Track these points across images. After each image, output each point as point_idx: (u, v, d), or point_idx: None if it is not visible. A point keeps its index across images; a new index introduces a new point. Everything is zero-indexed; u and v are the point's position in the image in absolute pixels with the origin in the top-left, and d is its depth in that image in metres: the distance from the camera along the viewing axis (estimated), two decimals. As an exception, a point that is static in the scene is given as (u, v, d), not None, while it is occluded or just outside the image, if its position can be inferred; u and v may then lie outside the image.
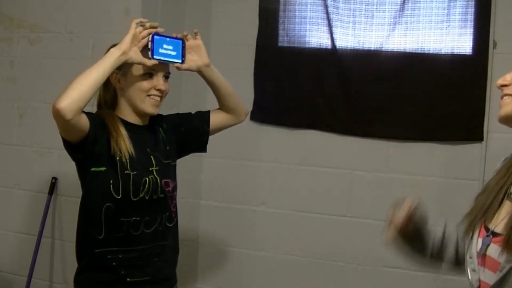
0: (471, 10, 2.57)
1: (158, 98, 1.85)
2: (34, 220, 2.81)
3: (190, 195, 2.95)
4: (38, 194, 2.84)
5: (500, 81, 1.28)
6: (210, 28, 2.94)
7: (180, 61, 1.88)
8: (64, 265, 2.80)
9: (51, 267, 2.85)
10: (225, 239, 2.93)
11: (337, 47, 2.74)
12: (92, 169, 1.78)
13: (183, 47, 1.89)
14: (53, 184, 2.79)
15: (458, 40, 2.58)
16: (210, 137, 2.10)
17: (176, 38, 1.87)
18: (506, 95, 1.26)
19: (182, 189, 2.93)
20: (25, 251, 2.81)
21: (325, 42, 2.76)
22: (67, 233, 2.78)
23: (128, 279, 1.81)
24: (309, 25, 2.79)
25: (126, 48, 1.73)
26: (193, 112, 2.08)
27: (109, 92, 1.87)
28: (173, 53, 1.85)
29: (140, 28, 1.79)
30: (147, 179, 1.82)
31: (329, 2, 2.73)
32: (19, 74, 2.89)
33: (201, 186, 2.97)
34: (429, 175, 2.64)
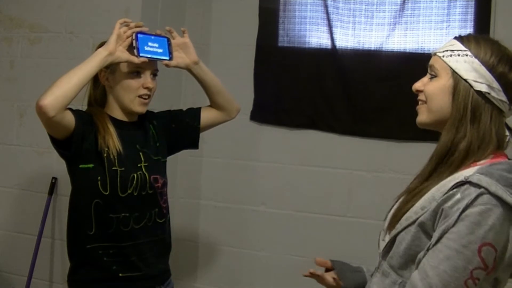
0: (471, 10, 2.57)
1: (147, 97, 1.86)
2: (34, 220, 2.81)
3: (190, 195, 2.95)
4: (38, 194, 2.83)
5: (417, 86, 1.35)
6: (210, 28, 2.94)
7: (168, 58, 1.89)
8: (64, 265, 2.80)
9: (51, 267, 2.85)
10: (225, 239, 2.93)
11: (337, 47, 2.74)
12: (81, 166, 1.80)
13: (169, 44, 1.90)
14: (53, 184, 2.79)
15: (458, 40, 2.58)
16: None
17: (160, 36, 1.89)
18: (420, 101, 1.34)
19: (182, 189, 2.95)
20: (25, 251, 2.81)
21: (325, 42, 2.76)
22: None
23: (120, 274, 1.82)
24: (309, 25, 2.79)
25: (112, 49, 1.75)
26: (184, 109, 2.09)
27: (99, 90, 1.89)
28: (160, 50, 1.86)
29: (124, 28, 1.80)
30: (135, 175, 1.83)
31: (329, 2, 2.73)
32: (19, 74, 2.88)
33: (201, 186, 2.97)
34: (429, 175, 2.63)
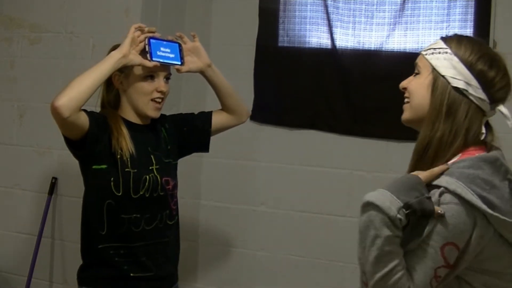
0: (471, 10, 2.57)
1: (160, 100, 1.88)
2: (34, 220, 2.81)
3: (190, 195, 2.95)
4: (38, 194, 2.84)
5: (403, 84, 1.39)
6: (210, 28, 2.94)
7: (179, 63, 1.91)
8: (64, 265, 2.80)
9: (51, 267, 2.85)
10: (225, 239, 2.93)
11: (337, 47, 2.74)
12: (94, 166, 1.82)
13: (181, 50, 1.93)
14: (53, 184, 2.79)
15: (458, 40, 2.58)
16: (210, 138, 2.11)
17: (172, 41, 1.91)
18: (405, 98, 1.38)
19: (182, 189, 2.92)
20: (25, 251, 2.81)
21: (325, 42, 2.77)
22: (67, 233, 2.78)
23: (131, 274, 1.84)
24: (309, 25, 2.79)
25: (126, 51, 1.78)
26: (195, 113, 2.11)
27: (112, 93, 1.91)
28: (172, 55, 1.89)
29: (138, 33, 1.84)
30: (147, 177, 1.85)
31: (329, 2, 2.73)
32: (19, 74, 2.88)
33: (201, 186, 2.98)
34: (429, 175, 2.63)
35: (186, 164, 2.86)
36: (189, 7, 2.96)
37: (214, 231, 2.96)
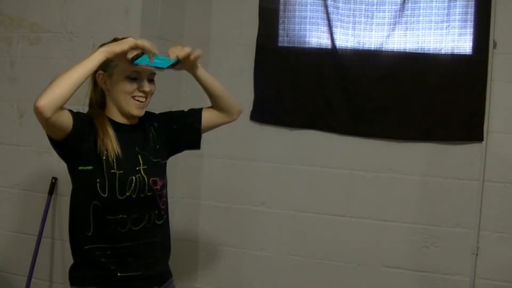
0: (471, 10, 2.57)
1: (143, 99, 1.85)
2: (34, 220, 2.81)
3: (190, 195, 2.95)
4: (38, 194, 2.84)
5: None
6: (210, 28, 2.94)
7: (163, 66, 1.80)
8: (64, 265, 2.80)
9: (51, 267, 2.85)
10: (225, 239, 2.93)
11: (337, 47, 2.74)
12: (80, 167, 1.81)
13: (174, 63, 1.81)
14: (53, 184, 2.79)
15: (458, 40, 2.58)
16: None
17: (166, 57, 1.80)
18: None
19: (182, 189, 2.95)
20: (25, 251, 2.81)
21: (325, 42, 2.77)
22: (67, 233, 2.77)
23: (119, 274, 1.83)
24: (309, 25, 2.80)
25: (111, 51, 1.69)
26: (186, 110, 2.09)
27: (98, 93, 1.89)
28: (158, 61, 1.78)
29: (133, 51, 1.74)
30: (133, 178, 1.83)
31: (329, 2, 2.74)
32: (19, 74, 2.88)
33: (201, 186, 2.98)
34: (429, 175, 2.64)
35: (186, 164, 2.87)
36: (189, 7, 2.96)
37: (214, 231, 2.96)
